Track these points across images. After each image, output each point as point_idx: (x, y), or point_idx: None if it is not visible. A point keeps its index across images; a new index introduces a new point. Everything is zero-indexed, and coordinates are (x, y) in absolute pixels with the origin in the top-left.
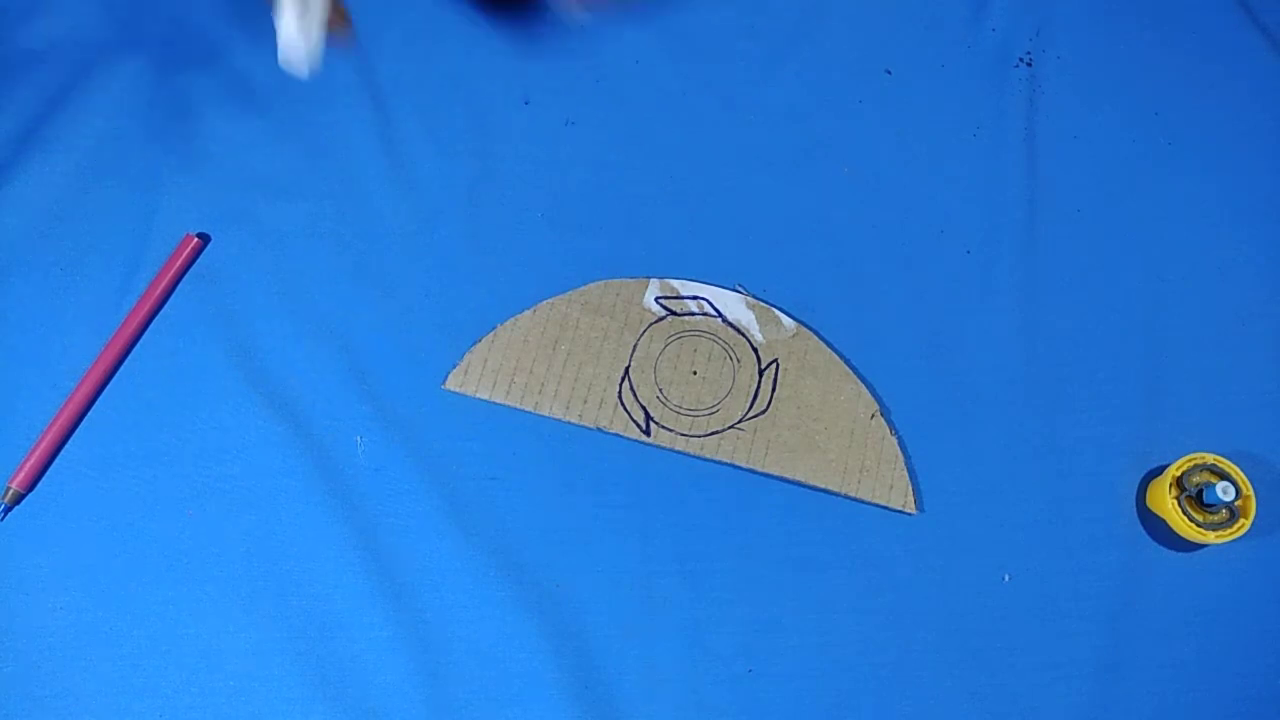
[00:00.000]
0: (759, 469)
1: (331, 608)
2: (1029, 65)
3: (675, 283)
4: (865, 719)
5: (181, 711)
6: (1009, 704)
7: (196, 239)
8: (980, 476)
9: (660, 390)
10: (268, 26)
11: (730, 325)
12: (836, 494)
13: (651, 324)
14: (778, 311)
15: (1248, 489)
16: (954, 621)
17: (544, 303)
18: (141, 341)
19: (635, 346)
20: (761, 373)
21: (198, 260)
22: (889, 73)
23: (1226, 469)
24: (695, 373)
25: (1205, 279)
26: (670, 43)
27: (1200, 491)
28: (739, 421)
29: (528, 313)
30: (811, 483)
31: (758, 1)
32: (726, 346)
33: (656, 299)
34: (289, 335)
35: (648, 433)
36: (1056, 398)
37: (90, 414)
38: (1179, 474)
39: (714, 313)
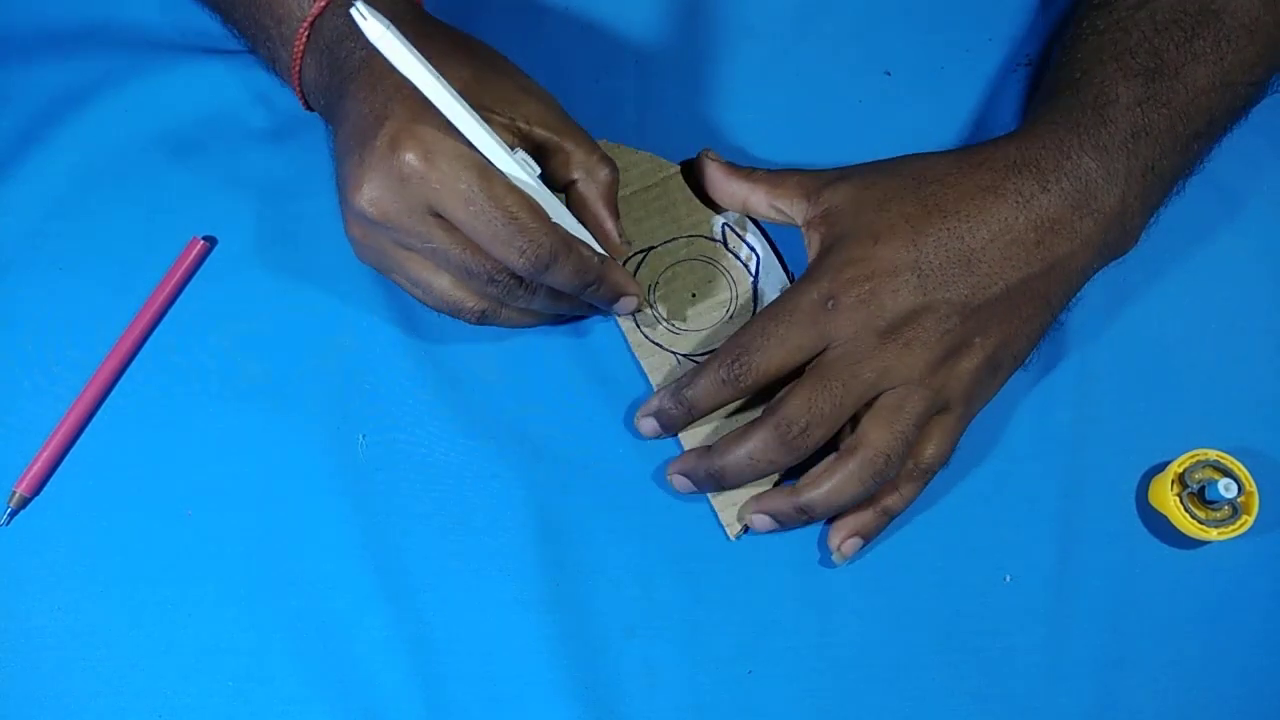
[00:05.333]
0: None
1: (331, 608)
2: (1029, 67)
3: (750, 223)
4: (865, 719)
5: (181, 711)
6: (1009, 704)
7: (203, 242)
8: (980, 475)
9: (656, 285)
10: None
11: (754, 289)
12: None
13: (700, 236)
14: None
15: (1250, 485)
16: (954, 621)
17: (644, 152)
18: (147, 344)
19: (672, 240)
20: None
21: (204, 263)
22: (889, 74)
23: (1229, 465)
24: (693, 295)
25: (1206, 274)
26: (668, 43)
27: (1202, 488)
28: (683, 354)
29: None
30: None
31: (758, 1)
32: (734, 300)
33: (724, 225)
34: (292, 335)
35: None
36: (1056, 395)
37: (96, 417)
38: (1181, 470)
39: (753, 272)
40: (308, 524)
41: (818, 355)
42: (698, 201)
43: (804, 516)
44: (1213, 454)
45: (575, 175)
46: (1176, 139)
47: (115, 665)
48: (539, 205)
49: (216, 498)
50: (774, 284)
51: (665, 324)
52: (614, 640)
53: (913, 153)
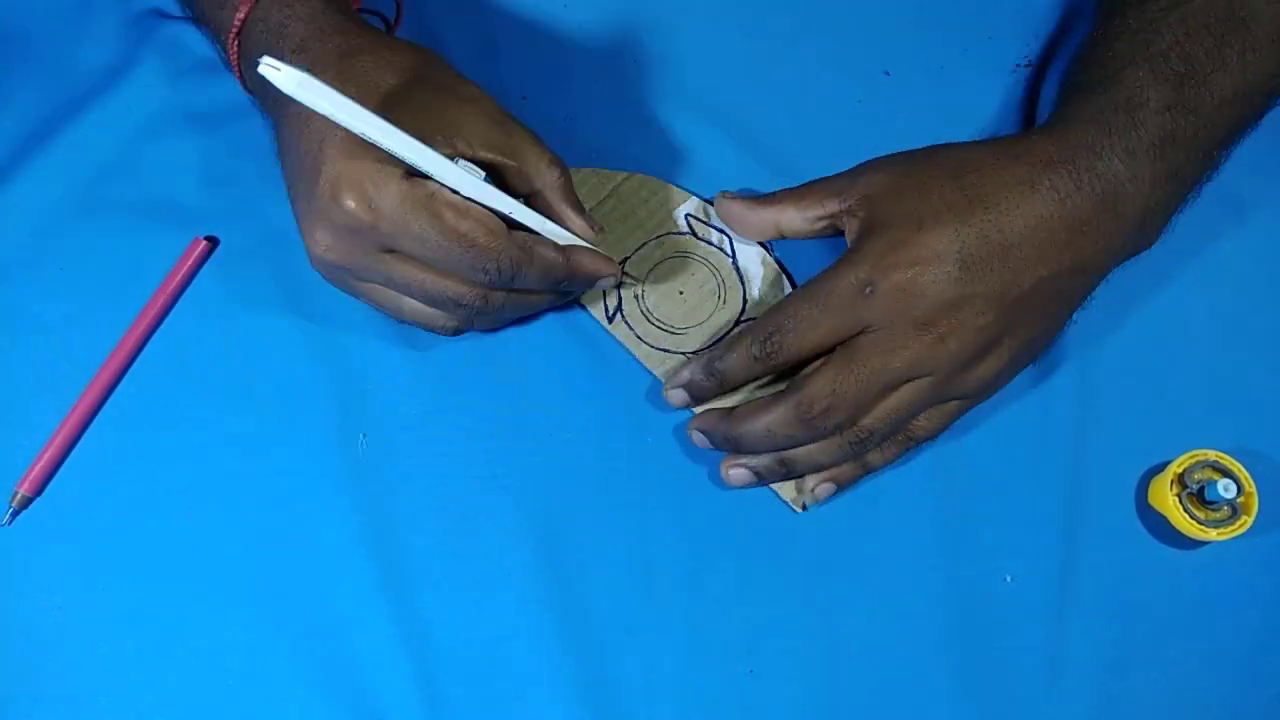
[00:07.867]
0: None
1: (331, 607)
2: (1029, 68)
3: (712, 209)
4: (865, 719)
5: (181, 711)
6: (1009, 704)
7: (205, 242)
8: (980, 475)
9: (642, 292)
10: None
11: (736, 270)
12: None
13: (668, 234)
14: (787, 281)
15: (1250, 486)
16: (954, 621)
17: (586, 169)
18: (149, 344)
19: (644, 245)
20: (738, 322)
21: (206, 263)
22: (888, 74)
23: (1228, 465)
24: (681, 293)
25: (1205, 274)
26: (668, 43)
27: (1202, 489)
28: (693, 351)
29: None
30: None
31: (758, 1)
32: (722, 285)
33: (687, 215)
34: (294, 334)
35: (610, 320)
36: (1056, 395)
37: (98, 417)
38: (1180, 471)
39: (729, 252)
40: (308, 523)
41: (851, 337)
42: (653, 202)
43: (784, 470)
44: (1212, 454)
45: (528, 187)
46: (1199, 146)
47: (116, 665)
48: (494, 219)
49: (217, 497)
50: (752, 258)
51: (663, 328)
52: (614, 640)
53: (946, 142)
